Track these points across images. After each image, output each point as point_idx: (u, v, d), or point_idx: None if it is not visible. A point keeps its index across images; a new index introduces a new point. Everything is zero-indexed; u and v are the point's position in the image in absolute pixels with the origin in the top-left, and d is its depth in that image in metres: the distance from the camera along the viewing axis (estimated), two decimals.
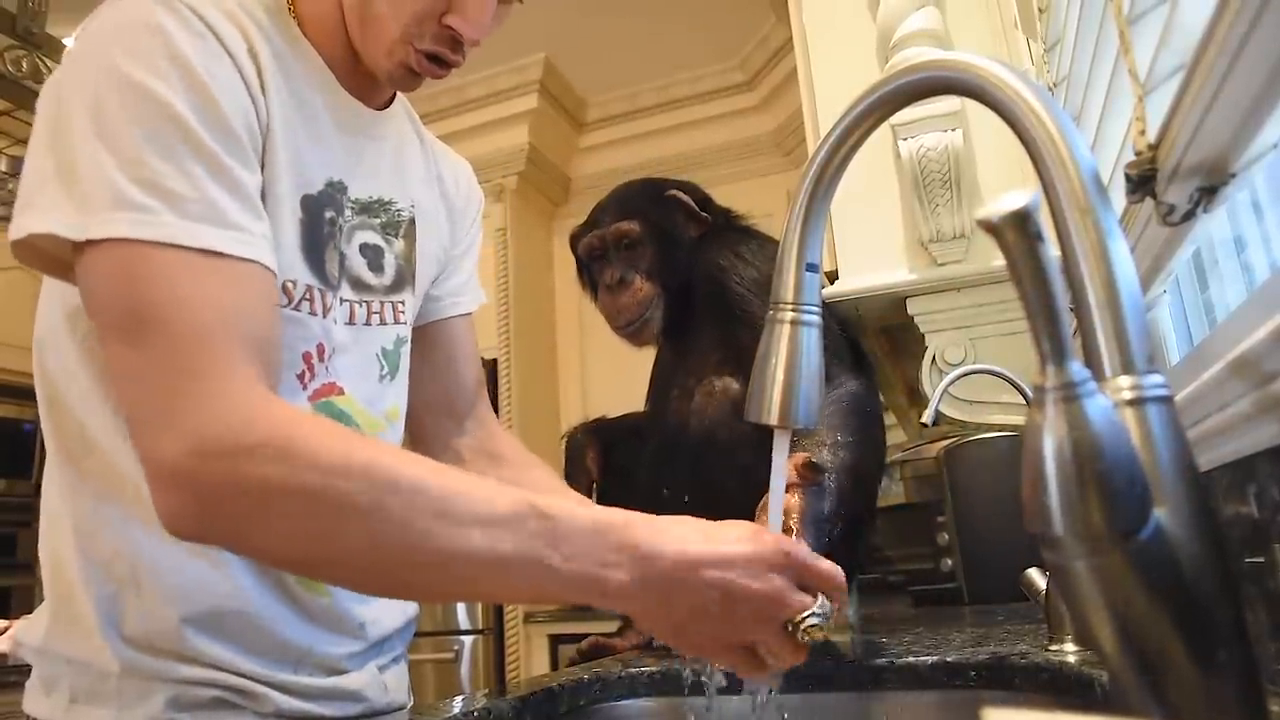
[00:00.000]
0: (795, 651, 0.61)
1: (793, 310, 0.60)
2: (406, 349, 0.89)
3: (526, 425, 3.44)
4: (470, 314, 1.02)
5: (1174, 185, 0.63)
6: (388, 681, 0.87)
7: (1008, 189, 0.38)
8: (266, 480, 0.58)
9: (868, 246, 1.41)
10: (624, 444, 1.36)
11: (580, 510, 0.62)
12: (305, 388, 0.77)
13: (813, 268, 0.61)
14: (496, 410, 2.05)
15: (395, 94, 0.90)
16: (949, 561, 1.69)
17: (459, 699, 0.86)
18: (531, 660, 3.24)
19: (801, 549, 0.63)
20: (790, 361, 0.60)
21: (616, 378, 3.18)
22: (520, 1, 0.84)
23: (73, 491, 0.76)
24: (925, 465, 1.83)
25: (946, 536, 1.71)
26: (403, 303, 0.88)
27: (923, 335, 1.38)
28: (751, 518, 0.72)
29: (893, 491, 1.86)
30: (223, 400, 0.60)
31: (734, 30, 3.61)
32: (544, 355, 3.86)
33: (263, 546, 0.62)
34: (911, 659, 0.87)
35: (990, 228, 0.37)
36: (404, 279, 0.88)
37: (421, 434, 1.00)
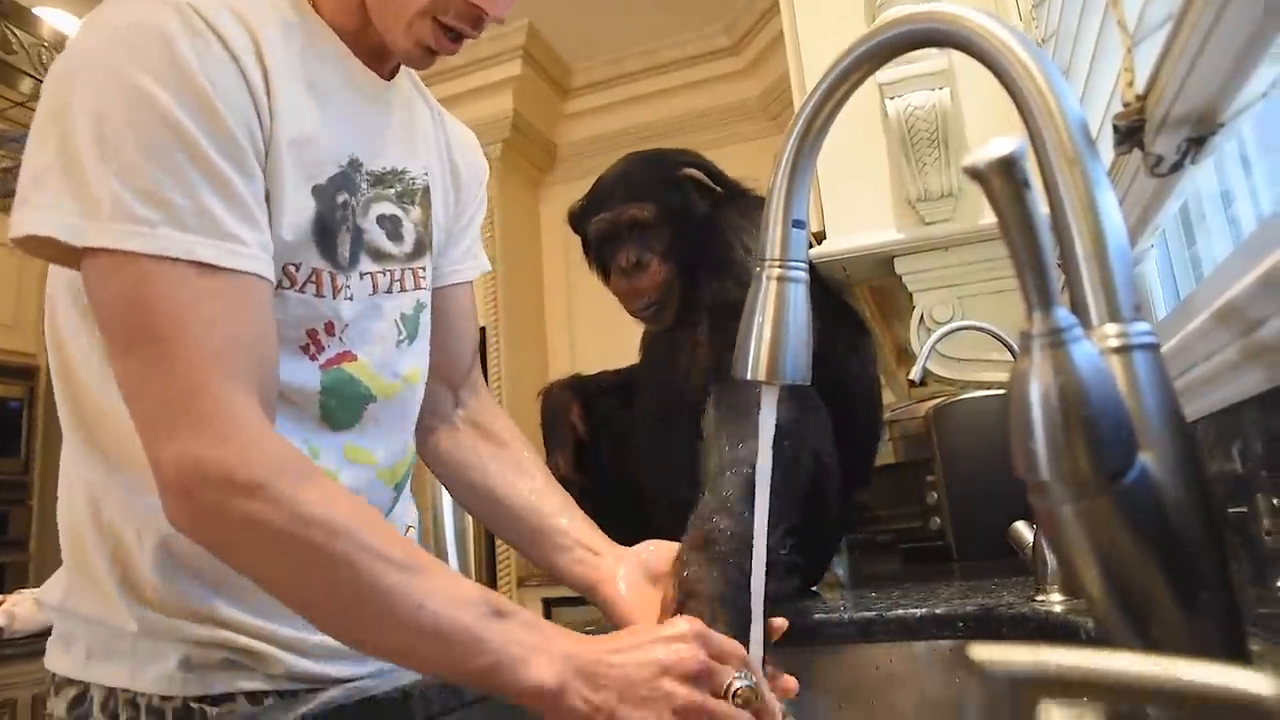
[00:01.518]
0: (730, 713, 0.64)
1: (779, 266, 0.60)
2: (426, 313, 0.90)
3: (516, 392, 3.44)
4: (470, 282, 1.03)
5: (1162, 136, 0.63)
6: None
7: (990, 140, 0.38)
8: (249, 519, 0.62)
9: (855, 207, 1.40)
10: (601, 401, 1.36)
11: (524, 612, 0.66)
12: (316, 359, 0.78)
13: (799, 224, 0.60)
14: (486, 377, 2.04)
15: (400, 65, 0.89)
16: (938, 520, 1.71)
17: None
18: None
19: (707, 631, 0.67)
20: (777, 317, 0.60)
21: (605, 343, 3.17)
22: None
23: (85, 458, 0.79)
24: (914, 425, 1.84)
25: (935, 495, 1.72)
26: (423, 268, 0.89)
27: (911, 295, 1.38)
28: None
29: (881, 452, 1.87)
30: (219, 430, 0.63)
31: None
32: (532, 322, 3.86)
33: (240, 568, 0.66)
34: (900, 611, 0.88)
35: (976, 174, 0.37)
36: (423, 245, 0.89)
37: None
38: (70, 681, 0.79)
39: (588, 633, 0.68)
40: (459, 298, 1.00)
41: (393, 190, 0.86)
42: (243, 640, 0.77)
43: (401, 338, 0.86)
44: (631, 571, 0.87)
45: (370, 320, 0.82)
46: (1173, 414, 0.40)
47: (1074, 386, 0.35)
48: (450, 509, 3.30)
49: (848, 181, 1.41)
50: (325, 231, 0.77)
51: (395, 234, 0.85)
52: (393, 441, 0.86)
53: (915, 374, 1.01)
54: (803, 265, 0.61)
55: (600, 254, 1.31)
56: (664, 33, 3.82)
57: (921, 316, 1.35)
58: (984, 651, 0.25)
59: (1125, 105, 0.65)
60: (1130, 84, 0.67)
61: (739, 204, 1.28)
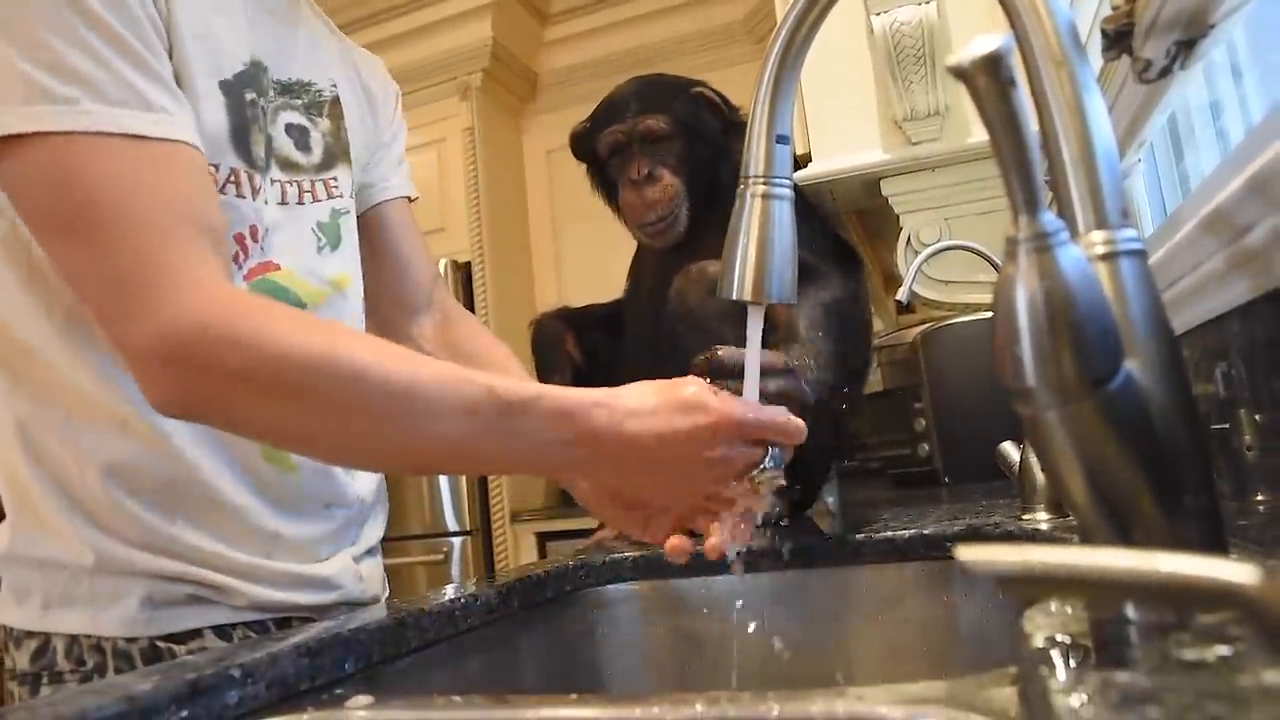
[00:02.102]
0: (755, 499, 0.66)
1: (764, 184, 0.59)
2: (347, 219, 0.89)
3: (503, 326, 3.43)
4: (406, 199, 1.02)
5: (1151, 40, 0.61)
6: (363, 571, 0.89)
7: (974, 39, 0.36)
8: (237, 368, 0.60)
9: (840, 128, 1.38)
10: (592, 333, 1.36)
11: (539, 393, 0.64)
12: (240, 267, 0.77)
13: (782, 139, 0.59)
14: (472, 312, 2.03)
15: None
16: (926, 446, 1.72)
17: (450, 587, 0.87)
18: (521, 558, 3.31)
19: (748, 409, 0.65)
20: (762, 236, 0.59)
21: (592, 275, 3.16)
22: None
23: (10, 395, 0.76)
24: (901, 351, 1.84)
25: (924, 421, 1.73)
26: (335, 178, 0.88)
27: (897, 217, 1.37)
28: None
29: (870, 378, 1.88)
30: (189, 290, 0.61)
31: None
32: (518, 255, 3.82)
33: (242, 423, 0.65)
34: (889, 533, 0.89)
35: (961, 73, 0.35)
36: (334, 156, 0.88)
37: (381, 328, 1.00)
38: (29, 634, 0.77)
39: (578, 553, 0.68)
40: (397, 214, 1.00)
41: (300, 101, 0.85)
42: (203, 573, 0.76)
43: (322, 244, 0.85)
44: None
45: (286, 229, 0.81)
46: (1159, 321, 0.39)
47: (1060, 291, 0.35)
48: None
49: (833, 102, 1.39)
50: (239, 128, 0.76)
51: (303, 144, 0.85)
52: None
53: (903, 295, 1.00)
54: (787, 182, 0.60)
55: (607, 170, 1.30)
56: None
57: (909, 238, 1.34)
58: (970, 552, 0.25)
59: (1114, 9, 0.63)
60: None
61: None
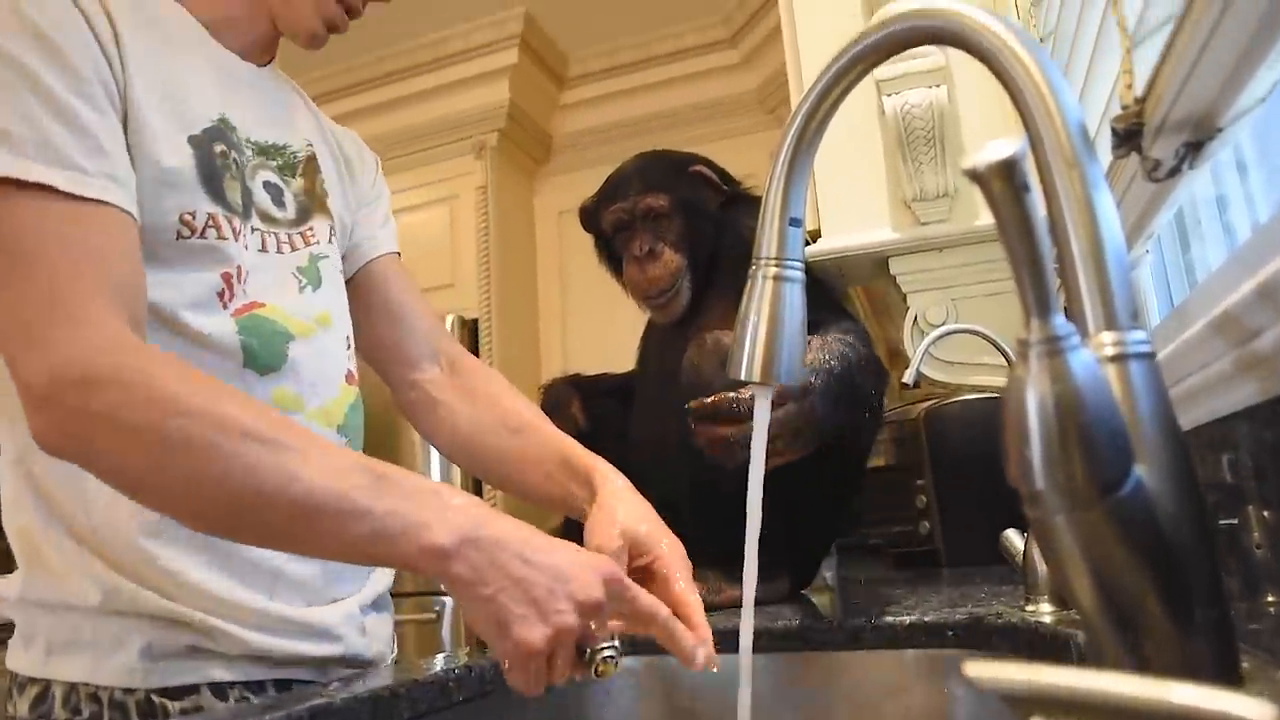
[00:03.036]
0: (571, 672, 0.63)
1: (775, 265, 0.59)
2: (326, 262, 0.92)
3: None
4: (396, 254, 1.05)
5: (1160, 140, 0.62)
6: (368, 624, 0.88)
7: (990, 142, 0.37)
8: (108, 412, 0.61)
9: (850, 205, 1.40)
10: (601, 401, 1.36)
11: (414, 476, 0.65)
12: (226, 307, 0.80)
13: (795, 222, 0.60)
14: None
15: (273, 57, 0.95)
16: (927, 524, 1.70)
17: (440, 656, 0.86)
18: None
19: (627, 582, 0.66)
20: (772, 317, 0.59)
21: (598, 338, 3.17)
22: None
23: (13, 435, 0.79)
24: (905, 427, 1.83)
25: (925, 499, 1.71)
26: (311, 229, 0.91)
27: (905, 295, 1.38)
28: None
29: (872, 454, 1.86)
30: (85, 333, 0.64)
31: None
32: (525, 314, 3.84)
33: (107, 472, 0.65)
34: (889, 619, 0.88)
35: (976, 177, 0.36)
36: (308, 210, 0.92)
37: (386, 380, 1.01)
38: (32, 680, 0.78)
39: None
40: (388, 269, 1.02)
41: (275, 163, 0.90)
42: (204, 618, 0.76)
43: (303, 284, 0.88)
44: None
45: (266, 272, 0.84)
46: (1169, 425, 0.39)
47: (1071, 396, 0.35)
48: (438, 464, 3.25)
49: (843, 180, 1.41)
50: (210, 176, 0.80)
51: (279, 201, 0.89)
52: (320, 384, 0.87)
53: (909, 377, 1.00)
54: (799, 264, 0.60)
55: (613, 245, 1.35)
56: (661, 24, 3.80)
57: (915, 318, 1.35)
58: (978, 668, 0.24)
59: (1124, 108, 0.64)
60: (1129, 86, 0.66)
61: (747, 204, 1.32)
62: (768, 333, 0.59)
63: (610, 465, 0.89)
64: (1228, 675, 0.37)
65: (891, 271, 1.39)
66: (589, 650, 0.62)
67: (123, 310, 0.67)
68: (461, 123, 3.73)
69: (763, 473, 0.64)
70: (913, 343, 1.34)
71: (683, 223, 1.29)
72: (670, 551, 0.79)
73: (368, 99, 3.84)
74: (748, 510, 0.63)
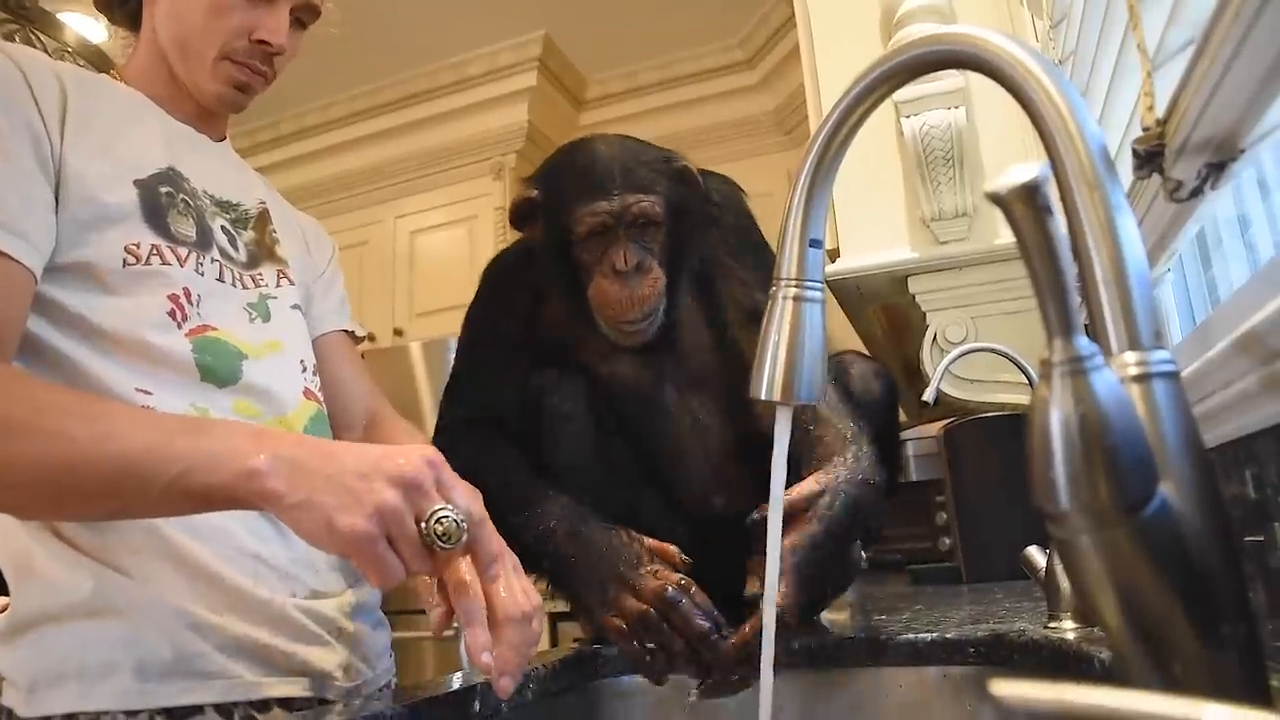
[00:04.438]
0: (422, 555, 0.62)
1: (796, 286, 0.60)
2: (275, 302, 0.98)
3: None
4: (344, 332, 1.13)
5: (1181, 161, 0.63)
6: (363, 634, 0.92)
7: (1011, 166, 0.37)
8: None
9: (870, 225, 1.40)
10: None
11: (242, 424, 0.71)
12: (180, 327, 0.85)
13: (816, 244, 0.60)
14: None
15: (224, 135, 1.05)
16: (947, 540, 1.70)
17: (458, 674, 0.86)
18: None
19: (444, 463, 0.66)
20: (793, 338, 0.59)
21: None
22: (304, 28, 1.00)
23: None
24: (925, 444, 1.83)
25: (945, 515, 1.71)
26: (260, 274, 0.98)
27: (924, 314, 1.38)
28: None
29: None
30: None
31: (734, 8, 3.58)
32: None
33: None
34: (911, 635, 0.87)
35: (998, 200, 0.36)
36: (257, 258, 0.99)
37: None
38: None
39: (575, 640, 0.66)
40: (331, 347, 1.09)
41: (229, 216, 0.98)
42: (192, 609, 0.78)
43: (254, 317, 0.94)
44: None
45: (220, 301, 0.90)
46: (1193, 444, 0.39)
47: (1095, 416, 0.35)
48: None
49: (862, 199, 1.41)
50: (155, 212, 0.86)
51: (234, 245, 0.96)
52: (276, 399, 0.91)
53: (929, 395, 1.00)
54: (819, 285, 0.61)
55: (570, 250, 1.07)
56: (679, 46, 3.83)
57: (935, 336, 1.35)
58: (1005, 686, 0.25)
59: (1145, 130, 0.64)
60: (1150, 108, 0.67)
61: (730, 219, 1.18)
62: (788, 353, 0.60)
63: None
64: (1257, 693, 0.37)
65: (911, 290, 1.39)
66: (425, 523, 0.62)
67: None
68: (481, 144, 3.77)
69: (782, 492, 0.64)
70: (932, 361, 1.34)
71: (668, 231, 1.07)
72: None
73: (389, 121, 3.89)
74: (768, 533, 0.64)
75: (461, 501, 0.64)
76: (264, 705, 0.81)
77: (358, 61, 3.56)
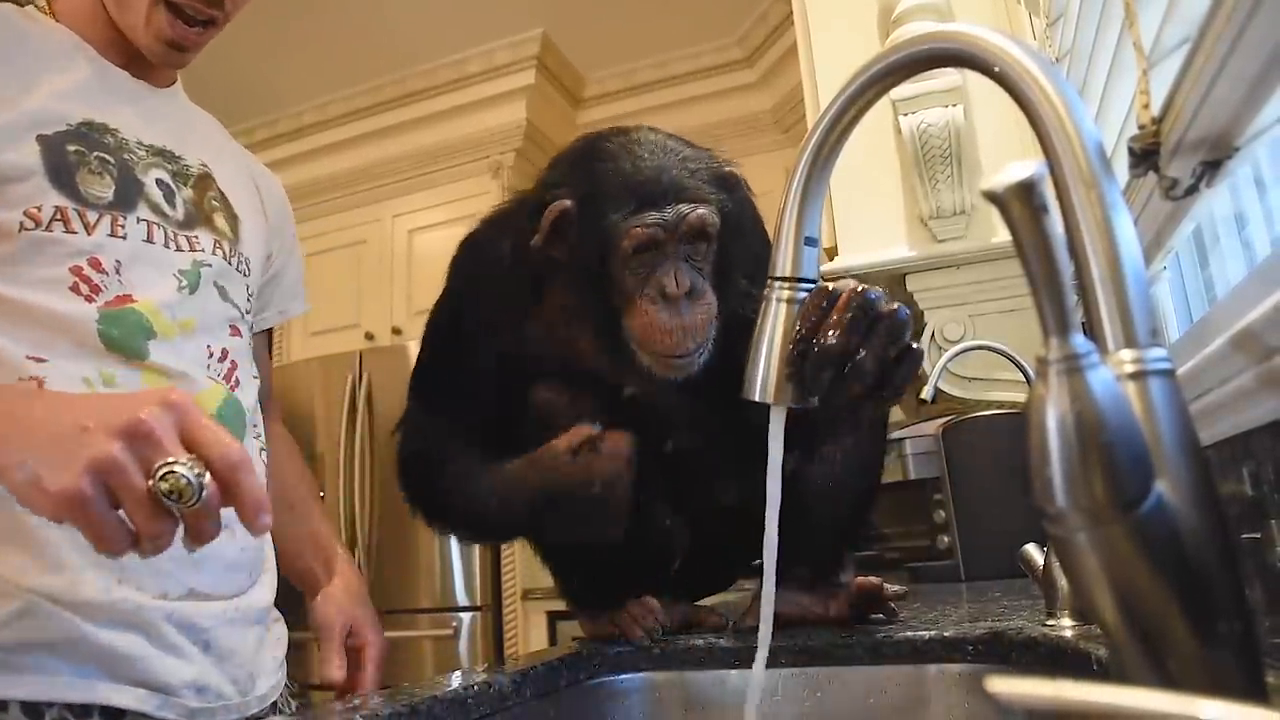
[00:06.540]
0: (154, 515, 0.55)
1: (789, 288, 0.60)
2: (208, 270, 0.92)
3: None
4: (269, 331, 1.13)
5: (1177, 159, 0.63)
6: (234, 643, 0.87)
7: (1008, 164, 0.37)
8: None
9: (867, 223, 1.40)
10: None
11: None
12: (93, 300, 0.81)
13: (811, 242, 0.60)
14: None
15: (174, 80, 0.99)
16: (945, 539, 1.70)
17: (457, 674, 0.86)
18: (530, 637, 3.26)
19: (191, 408, 0.58)
20: (785, 339, 0.59)
21: None
22: None
23: None
24: (923, 443, 1.83)
25: (943, 514, 1.71)
26: (196, 237, 0.92)
27: (922, 312, 1.38)
28: None
29: (890, 469, 1.86)
30: None
31: (732, 6, 3.58)
32: None
33: None
34: (909, 633, 0.87)
35: (995, 199, 0.36)
36: (194, 219, 0.93)
37: None
38: None
39: (574, 639, 0.65)
40: (259, 340, 1.08)
41: (169, 166, 0.92)
42: (36, 601, 0.73)
43: (182, 285, 0.89)
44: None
45: (147, 266, 0.85)
46: (1189, 441, 0.39)
47: (1091, 414, 0.35)
48: None
49: (860, 198, 1.41)
50: (59, 170, 0.81)
51: (170, 200, 0.90)
52: (182, 381, 0.86)
53: (927, 393, 1.00)
54: (813, 285, 0.60)
55: (615, 271, 0.90)
56: (677, 44, 3.83)
57: (933, 334, 1.35)
58: (1003, 684, 0.25)
59: (1140, 128, 0.64)
60: (1146, 106, 0.67)
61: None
62: (781, 355, 0.60)
63: (347, 553, 1.07)
64: (1253, 690, 0.37)
65: (909, 288, 1.39)
66: (154, 478, 0.54)
67: None
68: (479, 143, 3.77)
69: (779, 492, 0.64)
70: (930, 359, 1.34)
71: (720, 249, 0.93)
72: (375, 641, 1.05)
73: (387, 119, 3.89)
74: (766, 526, 0.63)
75: (215, 451, 0.56)
76: (85, 711, 0.74)
77: (355, 60, 3.57)
